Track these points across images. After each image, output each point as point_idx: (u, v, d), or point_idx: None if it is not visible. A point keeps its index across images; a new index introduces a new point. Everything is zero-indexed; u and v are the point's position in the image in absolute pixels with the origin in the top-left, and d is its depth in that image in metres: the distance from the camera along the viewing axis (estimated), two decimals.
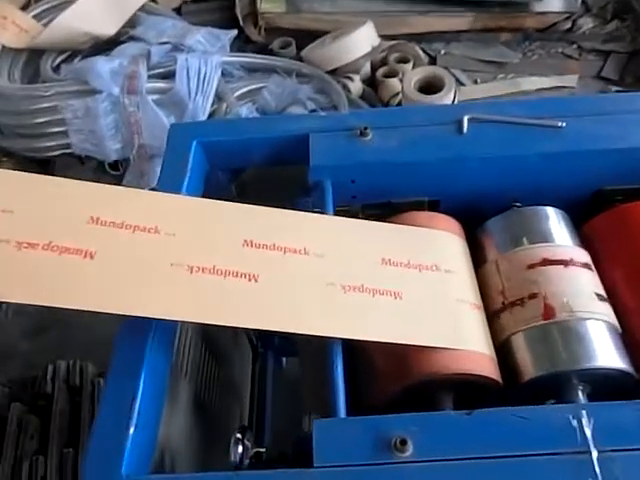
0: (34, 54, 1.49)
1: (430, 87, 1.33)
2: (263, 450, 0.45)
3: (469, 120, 0.57)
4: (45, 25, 1.49)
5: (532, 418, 0.37)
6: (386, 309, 0.48)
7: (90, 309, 0.44)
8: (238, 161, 0.61)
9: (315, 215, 0.55)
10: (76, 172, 1.32)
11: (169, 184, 0.55)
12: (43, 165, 1.38)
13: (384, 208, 0.59)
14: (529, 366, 0.46)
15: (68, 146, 1.32)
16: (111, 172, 1.34)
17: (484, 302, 0.52)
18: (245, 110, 1.42)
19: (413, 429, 0.37)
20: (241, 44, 1.76)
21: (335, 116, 0.59)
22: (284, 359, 1.07)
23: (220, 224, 0.52)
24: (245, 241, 0.51)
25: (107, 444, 0.38)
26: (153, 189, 1.32)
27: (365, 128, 0.57)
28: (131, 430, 0.39)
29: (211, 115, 1.43)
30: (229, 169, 0.64)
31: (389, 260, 0.52)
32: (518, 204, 0.59)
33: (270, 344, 0.88)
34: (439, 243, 0.54)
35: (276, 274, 0.49)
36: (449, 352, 0.44)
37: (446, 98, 1.27)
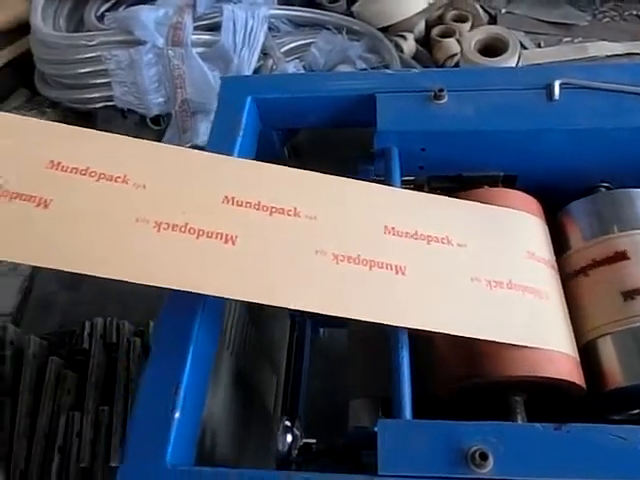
0: (79, 2, 1.45)
1: (491, 49, 1.23)
2: (313, 441, 0.41)
3: (561, 85, 0.50)
4: None
5: (632, 440, 0.32)
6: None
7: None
8: (294, 121, 0.56)
9: (358, 182, 0.49)
10: (117, 126, 1.29)
11: (221, 143, 0.51)
12: (85, 117, 1.35)
13: (453, 181, 0.53)
14: (618, 373, 0.41)
15: (111, 98, 1.29)
16: (153, 127, 1.31)
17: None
18: (292, 67, 1.35)
19: (492, 441, 0.32)
20: None
21: (405, 75, 0.53)
22: (322, 329, 1.04)
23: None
24: (226, 197, 0.45)
25: (150, 431, 0.35)
26: (195, 146, 1.28)
27: (440, 90, 0.50)
28: (177, 415, 0.36)
29: (256, 71, 1.36)
30: (283, 129, 0.58)
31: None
32: (606, 184, 0.52)
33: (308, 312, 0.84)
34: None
35: (257, 236, 0.43)
36: (530, 351, 0.39)
37: (510, 61, 1.18)
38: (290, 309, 0.50)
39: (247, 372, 0.65)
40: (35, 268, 1.28)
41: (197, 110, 1.29)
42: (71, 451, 0.84)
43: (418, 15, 1.45)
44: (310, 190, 0.47)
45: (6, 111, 1.55)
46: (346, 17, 1.48)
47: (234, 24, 1.30)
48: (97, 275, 0.39)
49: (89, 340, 0.95)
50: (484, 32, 1.23)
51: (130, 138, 0.49)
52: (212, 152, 0.49)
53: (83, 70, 1.29)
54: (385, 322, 0.41)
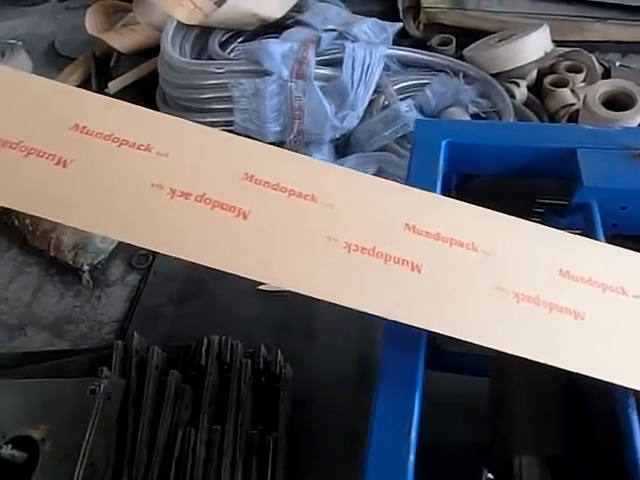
0: (204, 31, 1.53)
1: (616, 103, 1.22)
2: None
3: None
4: (217, 4, 1.52)
5: None
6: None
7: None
8: (483, 167, 0.57)
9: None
10: None
11: (419, 182, 0.52)
12: None
13: None
14: None
15: (230, 124, 1.34)
16: None
17: None
18: (404, 106, 1.37)
19: None
20: (396, 37, 1.72)
21: (607, 132, 0.53)
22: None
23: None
24: (246, 174, 0.45)
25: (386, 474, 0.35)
26: None
27: None
28: (411, 458, 0.36)
29: (368, 106, 1.40)
30: (466, 173, 0.59)
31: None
32: None
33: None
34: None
35: (269, 214, 0.43)
36: None
37: (637, 117, 1.16)
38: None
39: None
40: (142, 280, 1.33)
41: (310, 141, 1.33)
42: (186, 466, 0.86)
43: (533, 63, 1.45)
44: (330, 180, 0.48)
45: None
46: (458, 61, 1.50)
47: (353, 61, 1.34)
48: (103, 234, 0.40)
49: (206, 357, 0.97)
50: (609, 85, 1.21)
51: (160, 113, 0.49)
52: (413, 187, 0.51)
53: (207, 95, 1.35)
54: (392, 318, 0.40)
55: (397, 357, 0.41)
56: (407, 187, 0.50)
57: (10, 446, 0.81)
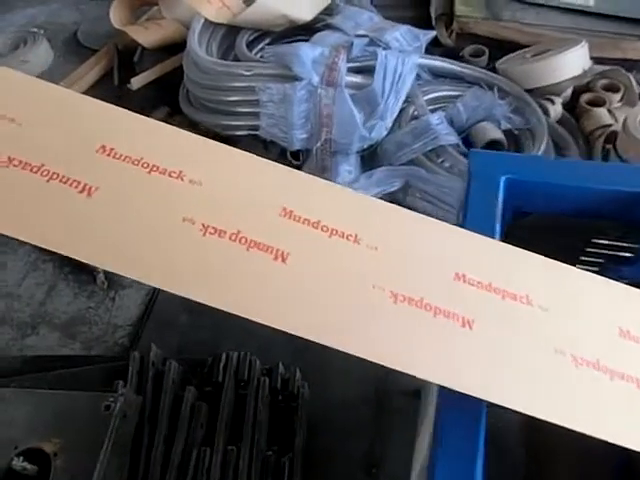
0: (231, 30, 1.49)
1: None
2: None
3: None
4: (246, 3, 1.48)
5: None
6: None
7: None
8: (542, 204, 0.53)
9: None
10: (259, 155, 1.30)
11: (479, 224, 0.48)
12: (225, 141, 1.37)
13: None
14: None
15: (255, 128, 1.31)
16: (293, 161, 1.32)
17: None
18: (435, 118, 1.33)
19: None
20: (427, 45, 1.67)
21: None
22: None
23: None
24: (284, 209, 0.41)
25: None
26: None
27: None
28: None
29: (397, 117, 1.36)
30: (521, 211, 0.55)
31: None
32: None
33: None
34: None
35: (310, 257, 0.39)
36: None
37: None
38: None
39: None
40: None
41: (338, 150, 1.29)
42: None
43: (569, 80, 1.41)
44: (374, 218, 0.44)
45: None
46: (491, 74, 1.46)
47: (385, 70, 1.30)
48: (127, 275, 0.37)
49: (223, 373, 0.94)
50: None
51: (192, 134, 0.45)
52: (470, 230, 0.47)
53: (234, 98, 1.32)
54: (438, 382, 0.37)
55: (455, 421, 0.38)
56: (457, 229, 0.47)
57: (22, 458, 0.78)
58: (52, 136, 0.42)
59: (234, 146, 1.46)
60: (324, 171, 1.27)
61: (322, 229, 0.41)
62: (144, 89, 1.56)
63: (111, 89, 1.66)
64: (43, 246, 0.38)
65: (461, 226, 0.49)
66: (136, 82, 1.54)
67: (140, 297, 1.28)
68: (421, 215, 0.47)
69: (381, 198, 1.24)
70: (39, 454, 0.80)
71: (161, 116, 1.53)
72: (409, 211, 0.47)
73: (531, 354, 0.40)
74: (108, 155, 0.41)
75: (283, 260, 0.39)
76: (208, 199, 0.41)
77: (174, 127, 0.47)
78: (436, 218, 0.47)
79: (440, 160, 1.29)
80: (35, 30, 1.87)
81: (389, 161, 1.29)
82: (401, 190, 1.25)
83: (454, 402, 0.38)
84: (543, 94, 1.41)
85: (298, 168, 1.32)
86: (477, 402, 0.38)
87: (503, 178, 0.51)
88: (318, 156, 1.29)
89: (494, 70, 1.50)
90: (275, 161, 1.38)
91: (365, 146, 1.30)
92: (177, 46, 1.58)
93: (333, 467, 1.00)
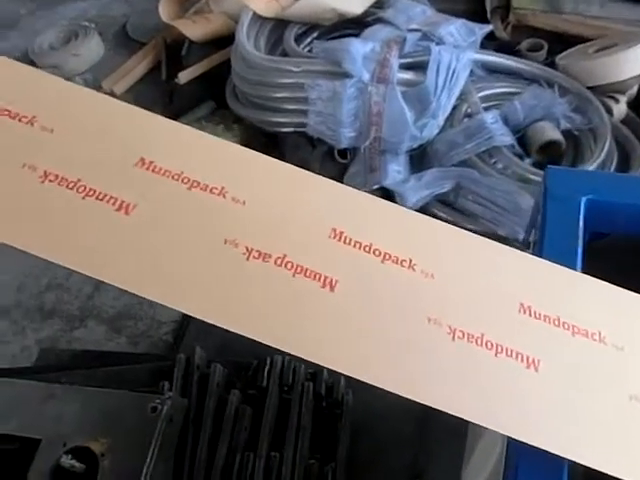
0: (278, 24, 1.47)
1: None
2: None
3: None
4: None
5: None
6: None
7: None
8: (624, 226, 0.49)
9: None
10: (306, 153, 1.28)
11: (555, 249, 0.44)
12: (270, 138, 1.36)
13: None
14: None
15: (302, 125, 1.28)
16: (339, 159, 1.29)
17: None
18: (490, 116, 1.27)
19: None
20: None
21: None
22: None
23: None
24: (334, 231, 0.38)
25: None
26: (382, 188, 1.22)
27: None
28: None
29: (449, 116, 1.31)
30: (599, 233, 0.51)
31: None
32: None
33: None
34: None
35: (362, 284, 0.36)
36: None
37: None
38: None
39: None
40: None
41: (387, 149, 1.26)
42: None
43: (635, 78, 1.33)
44: (430, 241, 0.40)
45: (190, 121, 1.58)
46: (551, 70, 1.39)
47: (438, 66, 1.25)
48: (166, 304, 0.34)
49: (267, 378, 0.93)
50: None
51: (235, 145, 0.41)
52: (548, 259, 0.43)
53: (281, 94, 1.30)
54: (502, 431, 0.33)
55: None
56: (521, 253, 0.43)
57: (70, 456, 0.79)
58: (87, 146, 0.39)
59: (282, 143, 1.44)
60: (372, 171, 1.24)
61: (374, 253, 0.38)
62: (191, 83, 1.56)
63: (159, 83, 1.66)
64: (80, 271, 0.36)
65: (538, 250, 0.45)
66: (184, 77, 1.54)
67: None
68: (482, 238, 0.43)
69: (431, 200, 1.21)
70: (86, 452, 0.80)
71: (207, 110, 1.53)
72: (468, 233, 0.43)
73: (604, 402, 0.36)
74: (147, 169, 0.38)
75: (331, 289, 0.36)
76: (252, 219, 0.38)
77: (218, 138, 0.43)
78: (486, 220, 0.44)
79: (493, 161, 1.24)
80: (86, 24, 1.89)
81: (440, 161, 1.25)
82: (452, 191, 1.21)
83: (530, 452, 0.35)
84: (606, 92, 1.33)
85: (345, 167, 1.29)
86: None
87: (584, 199, 0.47)
88: (366, 155, 1.25)
89: (552, 65, 1.43)
90: (321, 159, 1.35)
91: (415, 145, 1.26)
92: (225, 40, 1.56)
93: (375, 477, 0.98)
